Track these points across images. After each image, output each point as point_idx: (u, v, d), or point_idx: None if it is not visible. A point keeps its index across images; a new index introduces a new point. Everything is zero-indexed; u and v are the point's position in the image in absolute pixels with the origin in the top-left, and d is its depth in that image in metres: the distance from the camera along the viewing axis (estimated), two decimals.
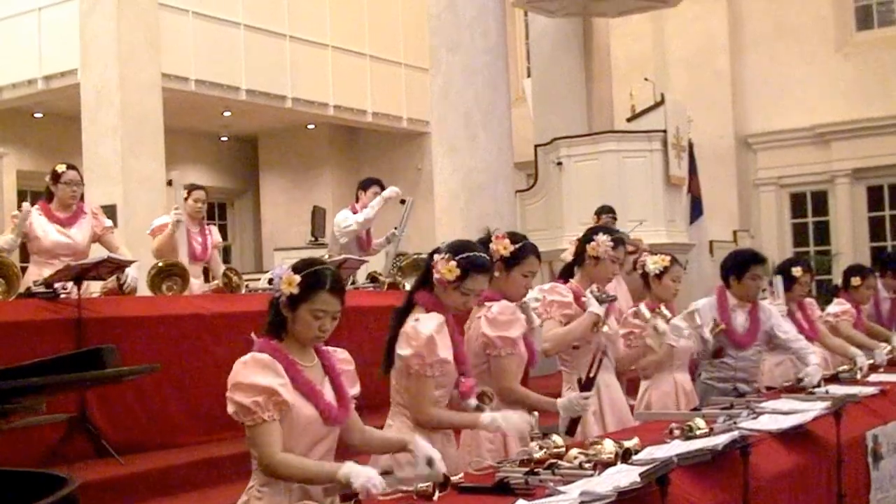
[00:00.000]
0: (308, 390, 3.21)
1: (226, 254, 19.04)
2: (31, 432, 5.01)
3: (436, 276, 3.80)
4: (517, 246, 4.35)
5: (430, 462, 3.24)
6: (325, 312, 3.23)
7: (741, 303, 5.92)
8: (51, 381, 2.30)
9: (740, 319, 5.89)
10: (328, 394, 3.28)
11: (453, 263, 3.76)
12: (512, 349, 4.22)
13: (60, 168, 6.89)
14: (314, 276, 3.24)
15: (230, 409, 3.14)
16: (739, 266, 5.92)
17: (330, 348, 3.43)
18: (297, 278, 3.20)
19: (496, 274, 4.35)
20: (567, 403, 4.22)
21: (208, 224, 8.12)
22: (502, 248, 4.32)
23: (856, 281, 7.48)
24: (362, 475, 2.99)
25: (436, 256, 3.84)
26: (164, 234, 7.51)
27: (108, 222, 7.19)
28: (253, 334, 3.29)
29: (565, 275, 5.04)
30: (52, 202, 6.86)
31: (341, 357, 3.44)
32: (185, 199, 7.76)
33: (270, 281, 3.36)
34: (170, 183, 7.79)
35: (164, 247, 7.43)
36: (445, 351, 3.73)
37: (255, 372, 3.12)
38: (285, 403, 3.12)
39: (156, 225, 7.74)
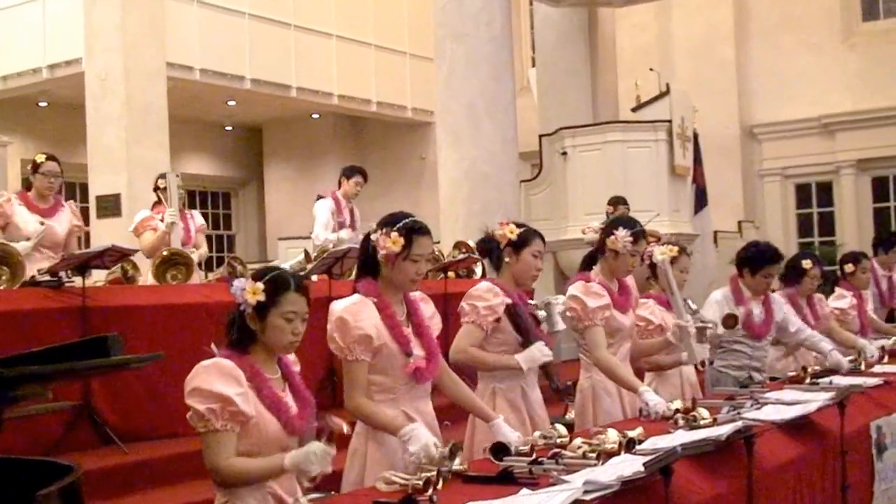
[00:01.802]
0: (274, 401, 3.18)
1: (230, 243, 19.07)
2: (36, 421, 5.02)
3: (381, 254, 3.70)
4: (522, 228, 4.42)
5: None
6: (295, 314, 3.21)
7: (755, 296, 5.94)
8: (56, 370, 2.30)
9: (757, 310, 5.91)
10: (290, 402, 3.25)
11: (395, 234, 3.69)
12: (475, 317, 4.30)
13: (40, 158, 6.82)
14: (278, 279, 3.21)
15: (188, 414, 3.11)
16: (756, 262, 5.90)
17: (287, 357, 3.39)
18: (261, 285, 3.17)
19: (506, 260, 4.41)
20: (528, 355, 4.27)
21: (189, 210, 8.11)
22: (509, 231, 4.38)
23: (849, 268, 7.53)
24: (306, 459, 2.98)
25: (373, 237, 3.75)
26: (156, 235, 7.49)
27: (79, 222, 7.14)
28: (213, 346, 3.22)
29: (587, 263, 5.04)
30: (31, 191, 6.83)
31: (291, 360, 3.41)
32: (164, 187, 7.76)
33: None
34: (158, 190, 7.74)
35: (155, 246, 7.40)
36: (367, 328, 3.63)
37: (214, 378, 3.09)
38: (241, 414, 3.08)
39: (138, 220, 7.70)
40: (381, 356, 3.69)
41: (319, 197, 9.13)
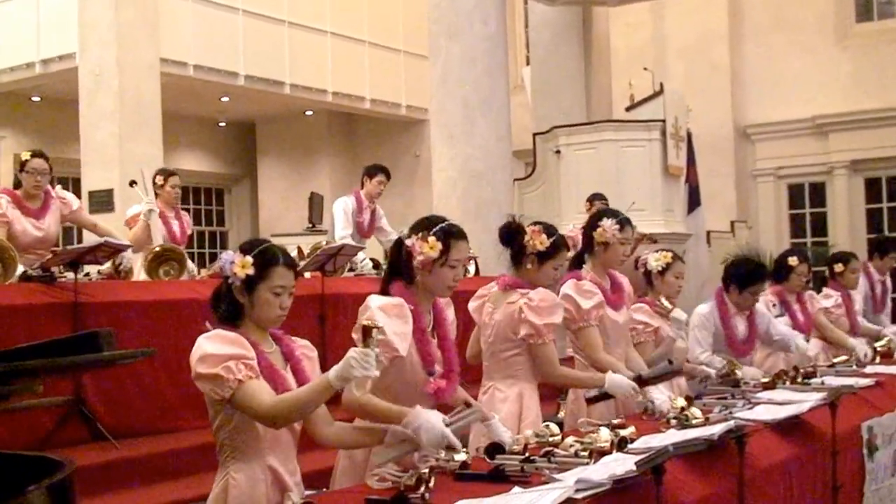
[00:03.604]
0: (272, 374, 3.14)
1: (223, 240, 19.06)
2: (28, 416, 5.02)
3: (418, 259, 3.58)
4: (552, 241, 4.40)
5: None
6: (283, 288, 3.19)
7: (739, 311, 5.94)
8: (48, 364, 2.29)
9: (741, 327, 5.92)
10: (290, 381, 3.22)
11: (433, 238, 3.58)
12: (555, 335, 4.33)
13: (25, 156, 6.62)
14: (267, 254, 3.19)
15: (202, 386, 3.05)
16: (743, 279, 5.89)
17: (291, 337, 3.36)
18: (250, 259, 3.15)
19: (528, 266, 4.41)
20: (620, 382, 4.35)
21: (183, 209, 8.11)
22: (539, 243, 4.37)
23: (839, 267, 7.55)
24: (346, 368, 2.91)
25: (408, 242, 3.63)
26: (137, 225, 7.37)
27: (76, 203, 6.96)
28: (208, 323, 3.20)
29: (576, 263, 5.02)
30: (20, 190, 6.60)
31: (302, 344, 3.38)
32: (162, 185, 7.71)
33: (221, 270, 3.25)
34: (132, 184, 7.61)
35: (140, 237, 7.31)
36: (397, 333, 3.47)
37: (221, 344, 3.07)
38: (255, 369, 3.05)
39: (130, 215, 7.65)
40: (402, 368, 3.56)
41: (314, 194, 9.10)
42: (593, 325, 4.71)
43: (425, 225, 3.67)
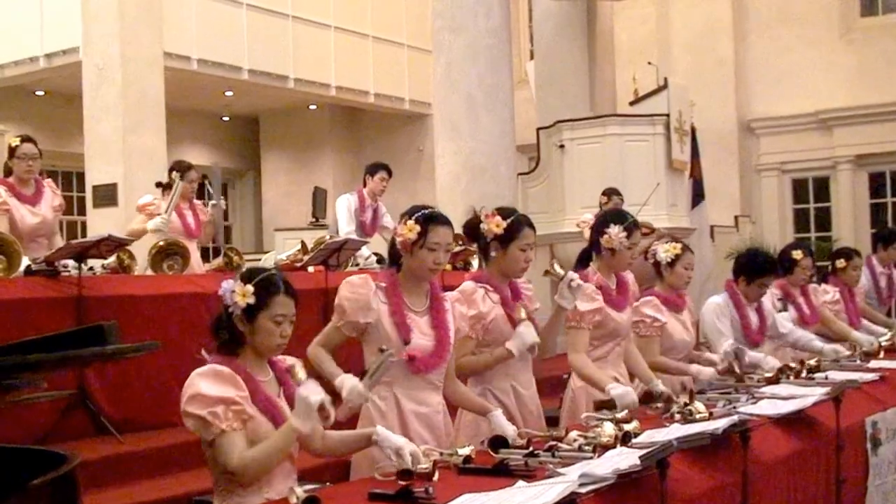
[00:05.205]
0: (268, 405, 3.16)
1: (226, 234, 19.06)
2: (31, 410, 5.02)
3: (398, 241, 3.83)
4: (509, 220, 4.29)
5: (399, 452, 3.19)
6: (284, 316, 3.19)
7: (749, 302, 5.97)
8: (52, 357, 2.30)
9: (753, 318, 5.93)
10: (286, 409, 3.22)
11: (411, 222, 3.80)
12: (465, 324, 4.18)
13: (14, 141, 6.61)
14: (267, 282, 3.19)
15: (189, 424, 3.07)
16: (754, 271, 5.93)
17: (279, 357, 3.36)
18: (251, 288, 3.15)
19: (493, 254, 4.34)
20: (517, 338, 4.21)
21: (198, 202, 8.12)
22: (494, 225, 4.27)
23: (840, 263, 7.55)
24: (304, 407, 3.02)
25: (395, 227, 3.92)
26: (140, 223, 7.38)
27: (60, 200, 6.97)
28: (204, 352, 3.19)
29: (583, 260, 5.00)
30: (12, 177, 6.59)
31: (291, 363, 3.41)
32: (168, 184, 7.72)
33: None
34: (166, 186, 7.64)
35: (137, 233, 7.30)
36: (350, 302, 3.77)
37: (212, 383, 3.06)
38: (244, 413, 3.06)
39: (141, 203, 7.66)
40: (375, 338, 3.78)
41: (317, 188, 9.09)
42: (583, 328, 4.66)
43: (409, 211, 3.88)
